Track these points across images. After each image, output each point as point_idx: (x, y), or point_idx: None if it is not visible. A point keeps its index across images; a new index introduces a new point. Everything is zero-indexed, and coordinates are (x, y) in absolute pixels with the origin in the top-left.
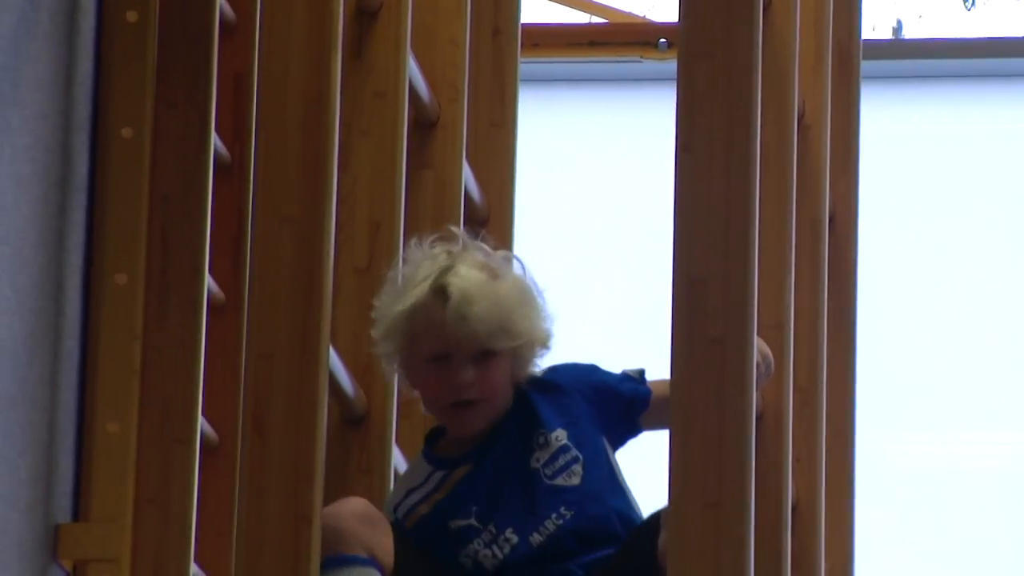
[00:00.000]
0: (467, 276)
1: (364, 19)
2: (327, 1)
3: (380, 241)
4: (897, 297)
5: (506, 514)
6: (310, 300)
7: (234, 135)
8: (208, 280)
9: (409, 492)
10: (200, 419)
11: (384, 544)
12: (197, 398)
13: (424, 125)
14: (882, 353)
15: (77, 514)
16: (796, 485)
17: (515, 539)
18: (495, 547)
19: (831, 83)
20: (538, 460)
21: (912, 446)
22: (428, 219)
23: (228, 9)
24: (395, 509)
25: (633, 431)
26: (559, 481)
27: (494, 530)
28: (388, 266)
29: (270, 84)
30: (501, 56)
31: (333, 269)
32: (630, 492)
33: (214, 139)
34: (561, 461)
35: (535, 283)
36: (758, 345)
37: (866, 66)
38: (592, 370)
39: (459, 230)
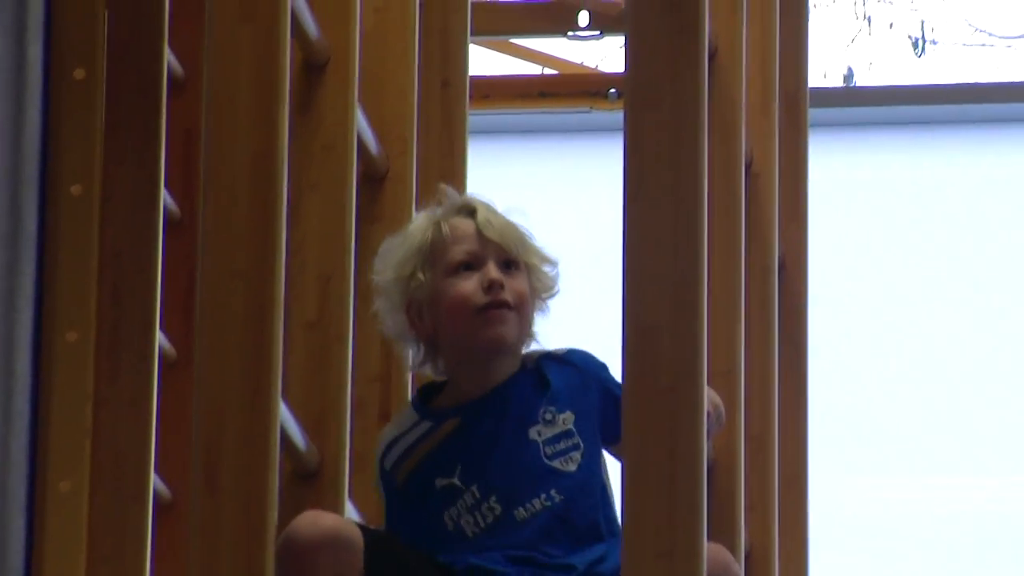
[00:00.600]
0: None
1: (312, 72)
2: (274, 55)
3: (330, 295)
4: (848, 343)
5: (492, 480)
6: (261, 354)
7: (184, 191)
8: (160, 336)
9: (392, 443)
10: (153, 476)
11: (353, 564)
12: (150, 455)
13: (373, 178)
14: (834, 399)
15: (30, 574)
16: (750, 532)
17: (498, 509)
18: (477, 514)
19: (779, 131)
20: (539, 434)
21: (866, 491)
22: None
23: (177, 65)
24: (382, 461)
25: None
26: (557, 464)
27: (477, 494)
28: (339, 320)
29: (218, 139)
30: (450, 108)
31: (283, 323)
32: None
33: (164, 195)
34: (563, 444)
35: None
36: (709, 395)
37: (817, 113)
38: (604, 367)
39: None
